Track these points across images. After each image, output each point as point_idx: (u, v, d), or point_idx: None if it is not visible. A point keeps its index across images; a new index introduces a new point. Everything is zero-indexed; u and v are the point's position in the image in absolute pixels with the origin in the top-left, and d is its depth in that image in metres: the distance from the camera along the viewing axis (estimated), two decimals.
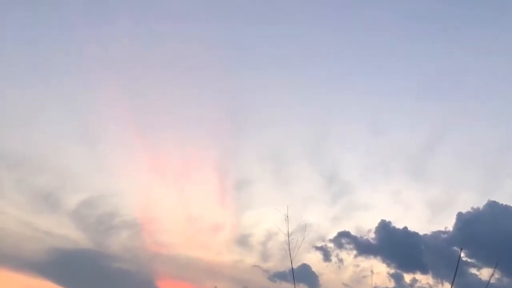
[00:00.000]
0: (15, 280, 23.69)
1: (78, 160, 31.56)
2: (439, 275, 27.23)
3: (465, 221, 28.30)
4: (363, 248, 29.85)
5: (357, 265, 29.89)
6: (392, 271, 28.70)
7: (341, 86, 36.26)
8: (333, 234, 30.96)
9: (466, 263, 25.50)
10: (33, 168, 29.41)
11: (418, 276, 28.41)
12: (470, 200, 31.46)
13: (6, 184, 27.94)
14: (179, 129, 35.36)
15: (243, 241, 31.97)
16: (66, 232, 28.44)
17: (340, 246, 30.19)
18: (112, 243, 29.79)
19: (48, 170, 30.17)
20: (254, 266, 30.06)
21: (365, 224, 31.64)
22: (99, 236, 29.54)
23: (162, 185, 33.55)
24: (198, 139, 34.66)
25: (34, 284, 24.47)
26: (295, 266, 5.00)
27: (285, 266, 28.20)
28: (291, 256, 4.94)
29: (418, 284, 27.52)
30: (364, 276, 28.24)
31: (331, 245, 30.25)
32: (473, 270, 25.87)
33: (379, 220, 30.19)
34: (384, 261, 29.28)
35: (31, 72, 30.91)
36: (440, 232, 29.03)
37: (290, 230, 4.97)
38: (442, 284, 26.36)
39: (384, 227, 29.80)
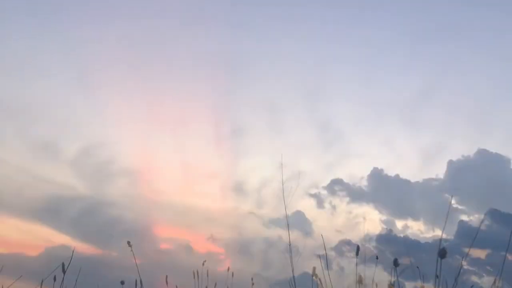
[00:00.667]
0: (14, 226, 24.11)
1: (77, 109, 31.37)
2: (430, 222, 27.98)
3: (455, 169, 28.70)
4: (356, 195, 30.36)
5: (350, 212, 30.51)
6: (384, 217, 29.40)
7: (334, 35, 35.50)
8: (326, 182, 31.34)
9: (456, 209, 26.13)
10: (32, 116, 29.26)
11: (410, 222, 29.17)
12: (461, 148, 31.65)
13: (5, 132, 27.89)
14: (175, 77, 34.96)
15: (238, 188, 32.39)
16: (65, 180, 28.68)
17: (333, 193, 30.67)
18: (110, 190, 30.17)
19: (48, 119, 30.04)
20: (249, 213, 30.65)
21: (357, 172, 32.01)
22: (97, 183, 29.84)
23: (159, 133, 33.59)
24: (194, 88, 34.38)
25: (33, 230, 24.93)
26: (289, 213, 5.06)
27: (279, 213, 28.62)
28: (285, 203, 4.99)
29: (410, 231, 28.30)
30: (356, 223, 28.93)
31: (324, 192, 30.71)
32: (464, 217, 26.55)
33: (372, 168, 30.53)
34: (376, 208, 29.93)
35: (30, 20, 30.04)
36: (431, 179, 29.51)
37: (284, 178, 4.99)
38: (433, 230, 27.11)
39: (376, 175, 30.20)
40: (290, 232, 5.19)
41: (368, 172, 30.66)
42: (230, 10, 34.25)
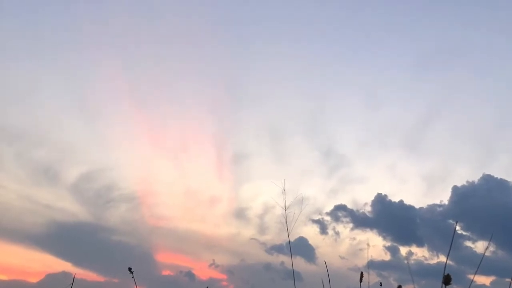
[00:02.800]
0: (14, 253, 23.94)
1: (77, 133, 31.60)
2: (435, 248, 27.67)
3: (460, 195, 28.61)
4: (360, 221, 30.21)
5: (354, 238, 30.29)
6: (388, 244, 29.13)
7: (338, 60, 36.02)
8: (329, 208, 31.26)
9: (461, 236, 25.88)
10: (33, 141, 29.44)
11: (414, 249, 28.87)
12: (465, 174, 31.75)
13: (6, 158, 27.98)
14: (178, 103, 35.27)
15: (240, 214, 32.29)
16: (65, 205, 28.65)
17: (336, 219, 30.53)
18: (111, 216, 30.04)
19: (47, 144, 30.23)
20: (252, 239, 30.43)
21: (361, 198, 31.96)
22: (98, 209, 29.77)
23: (161, 158, 33.70)
24: (196, 113, 34.62)
25: (33, 257, 24.76)
26: (292, 239, 5.03)
27: (282, 239, 28.58)
28: (288, 229, 4.97)
29: (414, 257, 27.97)
30: (360, 249, 28.63)
31: (327, 218, 30.58)
32: (468, 243, 26.29)
33: (375, 194, 30.47)
34: (380, 234, 29.68)
35: (30, 46, 30.55)
36: (435, 205, 29.37)
37: (287, 204, 4.98)
38: (438, 257, 26.79)
39: (380, 201, 30.11)
40: (293, 259, 5.15)
41: (372, 198, 30.61)
42: (233, 36, 34.80)
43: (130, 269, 5.38)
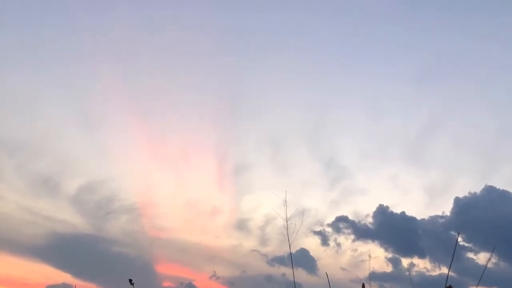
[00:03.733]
0: (14, 264, 23.85)
1: (77, 145, 31.64)
2: (437, 260, 27.50)
3: (462, 206, 28.49)
4: (361, 232, 30.07)
5: (355, 250, 30.13)
6: (390, 255, 28.97)
7: (339, 71, 36.19)
8: (331, 219, 31.16)
9: (463, 247, 25.74)
10: (33, 153, 29.46)
11: (416, 260, 28.70)
12: (468, 185, 31.59)
13: (6, 169, 27.99)
14: (178, 113, 35.35)
15: (241, 225, 32.18)
16: (66, 217, 28.60)
17: (338, 230, 30.40)
18: (111, 227, 29.96)
19: (48, 155, 30.25)
20: (253, 250, 30.29)
21: (363, 209, 31.86)
22: (98, 220, 29.70)
23: (161, 169, 33.69)
24: (197, 124, 34.69)
25: (33, 268, 24.66)
26: (293, 250, 5.02)
27: (283, 251, 28.44)
28: (290, 240, 4.95)
29: (415, 268, 27.79)
30: (362, 261, 28.48)
31: (329, 229, 30.46)
32: (470, 255, 26.13)
33: (377, 205, 30.38)
34: (382, 245, 29.53)
35: (30, 57, 30.75)
36: (437, 216, 29.25)
37: (289, 215, 4.97)
38: (440, 268, 26.61)
39: (382, 212, 30.01)
40: (294, 270, 5.13)
41: (374, 209, 30.50)
42: (234, 48, 34.96)
43: (130, 280, 5.36)
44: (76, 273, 25.48)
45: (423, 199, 33.71)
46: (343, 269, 28.96)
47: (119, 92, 32.52)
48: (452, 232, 27.38)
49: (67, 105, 31.65)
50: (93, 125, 32.07)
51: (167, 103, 35.42)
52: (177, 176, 34.00)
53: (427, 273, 27.21)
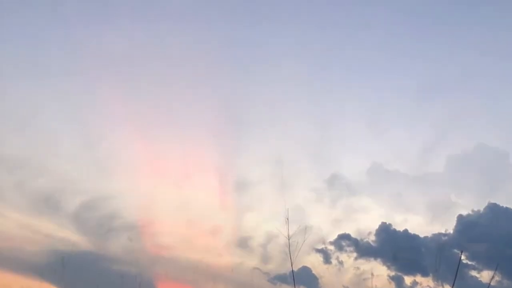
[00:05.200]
0: (15, 283, 23.68)
1: (78, 162, 31.63)
2: (440, 278, 27.20)
3: (465, 224, 28.30)
4: (364, 250, 29.86)
5: (358, 268, 29.89)
6: (392, 273, 28.70)
7: (341, 86, 36.38)
8: (333, 237, 30.98)
9: (466, 265, 25.50)
10: (33, 170, 29.45)
11: (419, 278, 28.41)
12: (471, 203, 31.39)
13: (6, 187, 27.96)
14: (179, 129, 35.42)
15: (243, 243, 31.97)
16: (67, 235, 28.47)
17: (340, 248, 30.20)
18: (113, 245, 29.79)
19: (48, 173, 30.20)
20: (255, 268, 30.05)
21: (365, 227, 31.67)
22: (99, 238, 29.55)
23: (162, 187, 33.58)
24: (198, 140, 34.71)
25: (34, 286, 24.44)
26: (295, 268, 5.01)
27: (285, 269, 28.16)
28: (292, 258, 4.94)
29: (418, 287, 27.52)
30: (364, 279, 28.24)
31: (331, 247, 30.26)
32: (474, 273, 25.88)
33: (380, 223, 30.22)
34: (384, 263, 29.28)
35: (30, 73, 31.01)
36: (440, 234, 29.04)
37: (291, 233, 4.98)
38: (443, 287, 26.32)
39: (385, 230, 29.83)
40: None
41: (376, 227, 30.31)
42: (235, 64, 35.18)
43: None
44: None
45: (426, 216, 33.50)
46: (345, 287, 28.68)
47: (119, 109, 32.64)
48: (455, 250, 27.18)
49: (67, 121, 31.76)
50: (93, 142, 32.15)
51: (168, 119, 35.55)
52: (178, 193, 33.90)
53: None
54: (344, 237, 30.36)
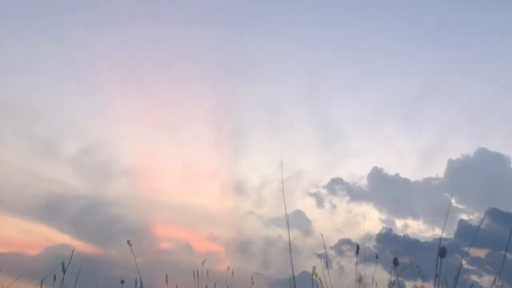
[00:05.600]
0: (14, 226, 24.13)
1: (77, 108, 31.37)
2: (430, 221, 27.95)
3: (455, 168, 28.69)
4: (356, 194, 30.32)
5: (350, 211, 30.49)
6: (384, 217, 29.41)
7: (334, 35, 35.47)
8: (326, 181, 31.31)
9: (456, 209, 26.12)
10: (32, 116, 29.27)
11: (410, 222, 29.17)
12: (461, 147, 31.67)
13: (5, 132, 27.91)
14: (176, 77, 34.97)
15: (238, 188, 32.38)
16: (65, 179, 28.67)
17: (333, 192, 30.65)
18: (110, 190, 30.19)
19: (47, 118, 30.03)
20: (249, 212, 30.66)
21: (357, 171, 31.99)
22: (97, 183, 29.88)
23: (159, 133, 33.57)
24: (194, 88, 34.37)
25: (33, 230, 24.95)
26: (289, 212, 5.06)
27: (279, 212, 28.64)
28: (285, 202, 4.99)
29: (409, 230, 28.30)
30: (356, 222, 28.93)
31: (324, 191, 30.69)
32: (464, 216, 26.53)
33: (371, 167, 30.51)
34: (376, 207, 29.92)
35: (29, 21, 30.03)
36: (431, 178, 29.47)
37: (284, 177, 4.99)
38: (433, 230, 27.07)
39: (376, 174, 30.18)
40: (290, 231, 5.20)
41: (368, 172, 30.61)
42: (230, 10, 34.21)
43: (128, 241, 5.42)
44: (75, 235, 25.76)
45: (417, 161, 33.84)
46: (338, 230, 29.37)
47: (117, 56, 31.99)
48: (446, 194, 27.75)
49: (66, 68, 31.20)
50: (92, 88, 31.75)
51: (166, 67, 34.91)
52: (174, 139, 33.93)
53: (421, 234, 27.71)
54: (337, 181, 30.57)
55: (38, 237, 25.11)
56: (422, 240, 25.90)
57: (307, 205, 30.25)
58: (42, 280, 5.35)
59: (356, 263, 4.61)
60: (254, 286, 6.50)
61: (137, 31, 33.66)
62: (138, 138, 33.22)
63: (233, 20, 34.07)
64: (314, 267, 4.71)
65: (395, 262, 4.31)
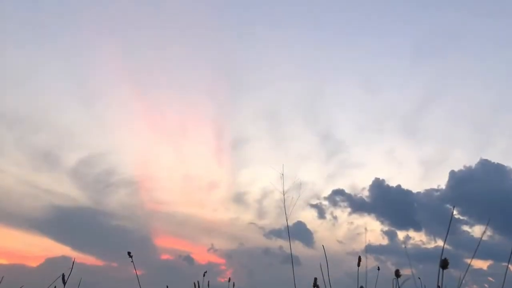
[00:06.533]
0: (14, 237, 24.07)
1: (77, 118, 31.55)
2: (432, 232, 27.86)
3: (457, 179, 28.69)
4: (357, 205, 30.33)
5: (351, 223, 30.47)
6: (385, 228, 29.31)
7: (335, 45, 35.80)
8: (327, 192, 31.38)
9: (458, 220, 26.04)
10: (32, 126, 29.39)
11: (412, 233, 29.07)
12: (463, 159, 31.72)
13: (5, 143, 27.96)
14: (177, 87, 35.14)
15: (239, 199, 32.41)
16: (65, 190, 28.72)
17: (334, 203, 30.66)
18: (110, 201, 30.15)
19: (47, 129, 30.20)
20: (250, 223, 30.60)
21: (359, 182, 32.08)
22: (97, 194, 29.86)
23: (160, 143, 33.70)
24: (195, 97, 34.54)
25: (33, 241, 24.90)
26: (290, 223, 5.05)
27: (280, 224, 28.71)
28: (287, 213, 4.98)
29: (411, 241, 28.19)
30: (358, 233, 28.85)
31: (325, 202, 30.71)
32: (466, 228, 26.46)
33: (373, 178, 30.57)
34: (378, 218, 29.84)
35: (29, 30, 30.29)
36: (433, 190, 29.47)
37: (286, 188, 4.99)
38: (435, 241, 27.00)
39: (378, 185, 30.20)
40: (291, 243, 5.18)
41: (370, 183, 30.68)
42: (232, 21, 34.48)
43: (129, 253, 5.40)
44: (76, 246, 25.76)
45: (419, 172, 33.97)
46: (339, 241, 29.35)
47: (118, 65, 32.22)
48: (448, 205, 27.68)
49: (66, 78, 31.45)
50: (92, 98, 31.94)
51: (166, 76, 35.18)
52: (175, 149, 34.07)
53: (423, 246, 27.61)
54: (338, 192, 30.80)
55: (38, 248, 25.08)
56: (424, 251, 25.87)
57: (308, 217, 30.23)
58: None
59: (358, 274, 4.59)
60: None
61: (137, 43, 33.90)
62: (138, 149, 33.33)
63: (234, 31, 34.33)
64: (315, 279, 4.68)
65: (397, 274, 4.29)
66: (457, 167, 29.25)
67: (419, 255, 26.13)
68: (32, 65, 30.25)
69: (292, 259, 5.08)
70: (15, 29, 29.97)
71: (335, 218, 30.32)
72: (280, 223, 28.58)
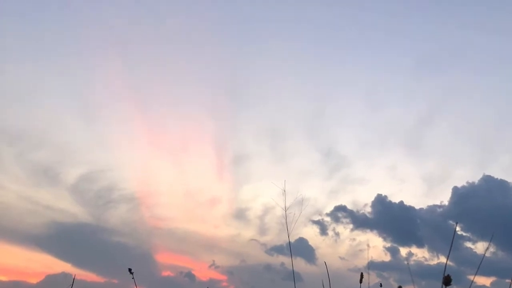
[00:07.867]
0: (14, 254, 23.96)
1: (77, 134, 31.66)
2: (435, 249, 27.65)
3: (460, 196, 28.60)
4: (360, 222, 30.21)
5: (354, 239, 30.31)
6: (388, 244, 29.11)
7: (338, 61, 36.07)
8: (329, 208, 31.30)
9: (461, 237, 25.88)
10: (33, 142, 29.47)
11: (414, 249, 28.86)
12: (466, 175, 31.77)
13: (6, 159, 28.01)
14: (177, 103, 35.31)
15: (240, 215, 32.31)
16: (66, 206, 28.67)
17: (336, 220, 30.54)
18: (111, 217, 30.06)
19: (48, 145, 30.28)
20: (252, 239, 30.44)
21: (361, 198, 32.00)
22: (98, 210, 29.79)
23: (160, 159, 33.71)
24: (196, 113, 34.65)
25: (33, 258, 24.77)
26: (292, 239, 5.03)
27: (282, 240, 28.59)
28: (288, 230, 4.96)
29: (414, 258, 27.97)
30: (360, 250, 28.65)
31: (327, 219, 30.60)
32: (469, 244, 26.28)
33: (375, 195, 30.48)
34: (380, 235, 29.67)
35: (30, 47, 30.59)
36: (435, 206, 29.35)
37: (287, 204, 4.97)
38: (438, 258, 26.78)
39: (380, 201, 30.11)
40: (293, 259, 5.15)
41: (372, 199, 30.60)
42: (233, 39, 34.79)
43: (130, 269, 5.37)
44: (76, 263, 25.62)
45: (421, 188, 33.88)
46: (341, 258, 29.16)
47: (118, 82, 32.48)
48: (451, 222, 27.54)
49: (67, 94, 31.66)
50: (93, 114, 32.10)
51: (167, 93, 35.39)
52: (176, 166, 34.07)
53: (426, 262, 27.40)
54: (340, 208, 30.75)
55: (39, 265, 24.95)
56: (426, 268, 25.64)
57: (310, 233, 30.07)
58: None
59: None
60: None
61: (138, 58, 34.16)
62: (139, 165, 33.33)
63: (235, 48, 34.59)
64: None
65: None
66: (460, 183, 29.23)
67: (422, 272, 25.94)
68: (33, 82, 30.50)
69: (294, 276, 5.04)
70: (16, 46, 30.29)
71: (337, 234, 30.18)
72: (282, 240, 28.47)
